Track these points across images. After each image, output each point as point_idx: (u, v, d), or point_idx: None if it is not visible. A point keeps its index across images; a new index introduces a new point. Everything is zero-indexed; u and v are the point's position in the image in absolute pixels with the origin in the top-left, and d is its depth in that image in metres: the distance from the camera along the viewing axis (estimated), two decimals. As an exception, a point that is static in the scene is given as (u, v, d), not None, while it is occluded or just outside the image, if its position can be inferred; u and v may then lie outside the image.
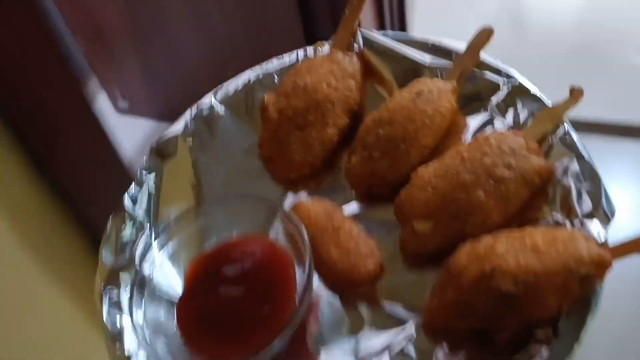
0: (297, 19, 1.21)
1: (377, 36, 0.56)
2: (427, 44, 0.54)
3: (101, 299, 0.47)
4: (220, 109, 0.58)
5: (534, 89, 0.50)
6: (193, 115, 0.58)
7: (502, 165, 0.45)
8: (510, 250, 0.41)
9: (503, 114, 0.51)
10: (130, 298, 0.46)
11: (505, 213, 0.45)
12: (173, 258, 0.49)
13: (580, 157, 0.45)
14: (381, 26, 1.39)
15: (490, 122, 0.51)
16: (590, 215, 0.42)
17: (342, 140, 0.55)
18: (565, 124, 0.47)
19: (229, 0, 1.30)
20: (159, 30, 1.42)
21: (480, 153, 0.46)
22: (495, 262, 0.40)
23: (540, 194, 0.46)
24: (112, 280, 0.49)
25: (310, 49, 0.59)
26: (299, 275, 0.46)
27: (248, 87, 0.59)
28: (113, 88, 1.63)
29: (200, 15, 1.35)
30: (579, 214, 0.43)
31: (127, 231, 0.52)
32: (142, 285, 0.47)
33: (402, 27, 1.52)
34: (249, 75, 0.59)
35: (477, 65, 0.52)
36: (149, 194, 0.55)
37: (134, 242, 0.51)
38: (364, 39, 0.57)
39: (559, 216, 0.44)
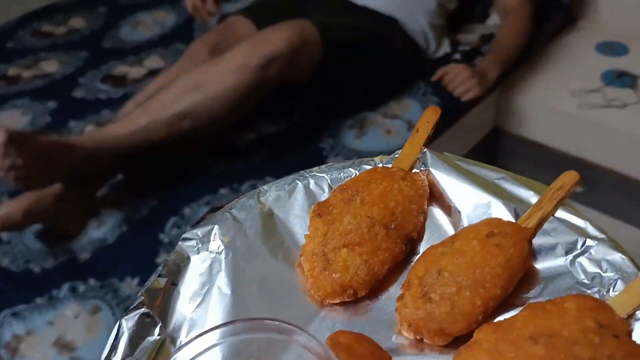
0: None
1: (447, 159, 0.52)
2: (505, 178, 0.49)
3: None
4: (259, 209, 0.53)
5: (624, 251, 0.44)
6: (231, 213, 0.53)
7: (585, 344, 0.39)
8: None
9: (584, 273, 0.44)
10: None
11: (585, 401, 0.38)
12: None
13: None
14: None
15: (568, 280, 0.45)
16: None
17: (393, 268, 0.49)
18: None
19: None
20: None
21: (559, 323, 0.40)
22: None
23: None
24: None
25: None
26: None
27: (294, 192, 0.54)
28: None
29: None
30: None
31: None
32: None
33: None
34: (295, 179, 0.55)
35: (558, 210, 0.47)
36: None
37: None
38: (432, 160, 0.52)
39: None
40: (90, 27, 1.98)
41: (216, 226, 0.52)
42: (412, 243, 0.50)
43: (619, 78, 1.56)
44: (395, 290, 0.48)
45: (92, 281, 1.12)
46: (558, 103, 1.53)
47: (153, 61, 1.75)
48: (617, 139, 1.47)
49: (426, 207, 0.50)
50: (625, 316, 0.41)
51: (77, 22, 2.02)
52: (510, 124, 1.64)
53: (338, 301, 0.48)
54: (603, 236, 0.45)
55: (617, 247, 0.44)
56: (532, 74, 1.63)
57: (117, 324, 0.47)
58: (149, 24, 1.97)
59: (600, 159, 1.51)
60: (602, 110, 1.48)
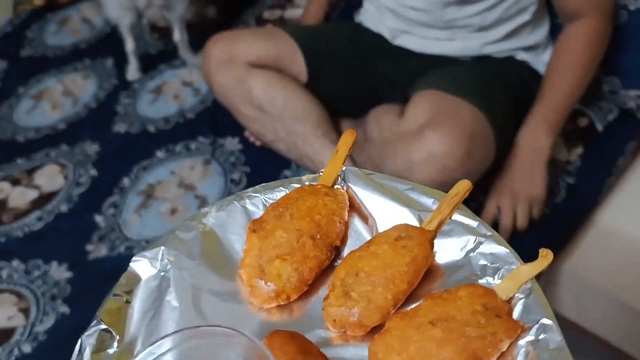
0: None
1: (364, 175, 0.59)
2: (412, 189, 0.58)
3: None
4: (201, 229, 0.60)
5: (507, 245, 0.52)
6: (176, 235, 0.59)
7: (474, 325, 0.47)
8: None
9: (476, 266, 0.53)
10: None
11: (475, 372, 0.46)
12: None
13: (547, 322, 0.47)
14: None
15: (464, 272, 0.53)
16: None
17: (320, 273, 0.56)
18: (535, 285, 0.49)
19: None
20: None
21: (454, 308, 0.48)
22: None
23: (506, 355, 0.47)
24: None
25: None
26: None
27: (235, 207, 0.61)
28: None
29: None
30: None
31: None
32: None
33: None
34: (232, 200, 0.61)
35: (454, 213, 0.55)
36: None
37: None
38: (350, 176, 0.60)
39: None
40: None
41: (163, 247, 0.59)
42: (337, 250, 0.57)
43: None
44: (323, 292, 0.55)
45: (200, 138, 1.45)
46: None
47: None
48: None
49: (347, 217, 0.58)
50: (507, 299, 0.49)
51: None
52: (566, 310, 1.05)
53: (274, 305, 0.55)
54: (490, 233, 0.53)
55: (501, 243, 0.53)
56: (597, 242, 1.03)
57: (79, 341, 0.52)
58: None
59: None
60: None
